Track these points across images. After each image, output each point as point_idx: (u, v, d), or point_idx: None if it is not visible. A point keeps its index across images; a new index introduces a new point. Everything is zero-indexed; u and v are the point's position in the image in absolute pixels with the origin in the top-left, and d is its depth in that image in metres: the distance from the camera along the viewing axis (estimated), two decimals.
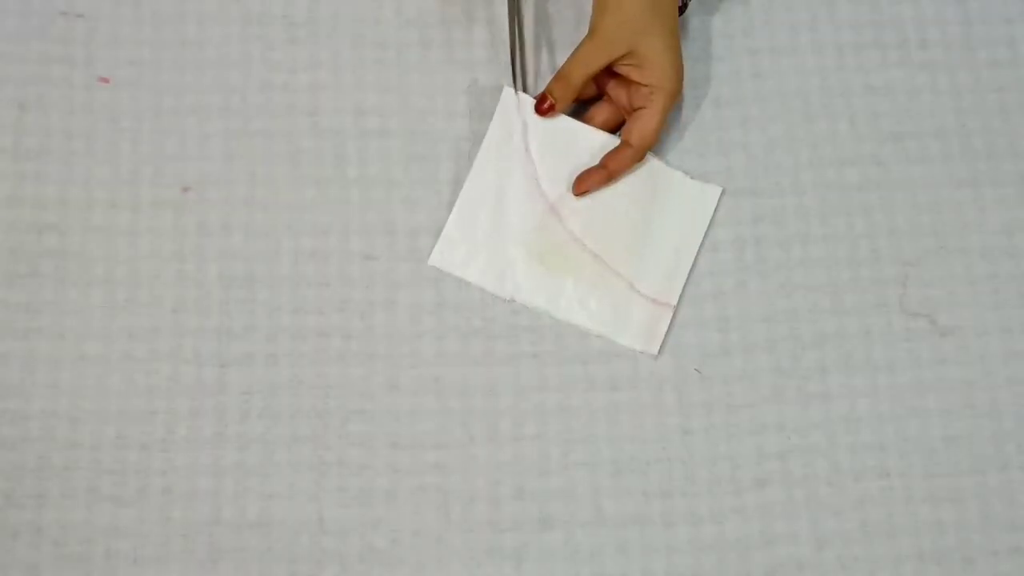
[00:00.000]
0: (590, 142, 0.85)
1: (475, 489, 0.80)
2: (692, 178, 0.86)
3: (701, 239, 0.85)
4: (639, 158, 0.84)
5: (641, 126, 0.83)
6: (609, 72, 0.85)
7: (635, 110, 0.84)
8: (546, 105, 0.84)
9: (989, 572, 0.80)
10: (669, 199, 0.86)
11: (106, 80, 0.87)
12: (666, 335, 0.84)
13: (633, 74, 0.83)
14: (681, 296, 0.84)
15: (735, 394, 0.83)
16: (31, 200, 0.84)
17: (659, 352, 0.83)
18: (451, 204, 0.85)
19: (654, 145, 0.85)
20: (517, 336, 0.83)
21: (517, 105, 0.85)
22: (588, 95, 0.87)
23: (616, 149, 0.84)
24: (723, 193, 0.86)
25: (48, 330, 0.82)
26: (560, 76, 0.83)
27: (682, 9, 0.87)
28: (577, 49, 0.83)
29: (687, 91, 0.89)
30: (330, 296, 0.84)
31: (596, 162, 0.85)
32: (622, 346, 0.83)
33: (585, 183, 0.84)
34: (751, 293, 0.85)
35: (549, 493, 0.80)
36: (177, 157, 0.86)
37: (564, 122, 0.86)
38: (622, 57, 0.82)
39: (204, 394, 0.81)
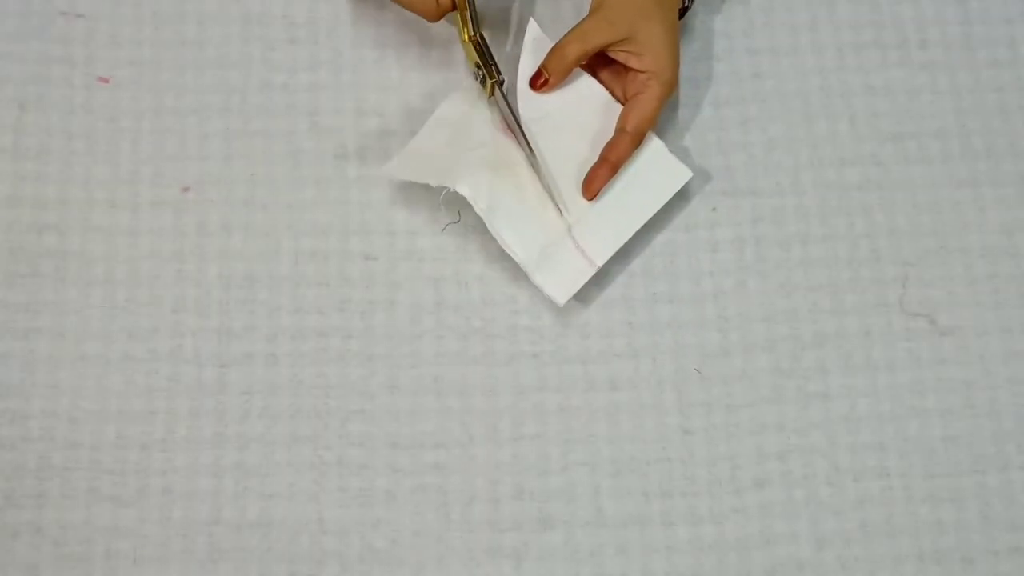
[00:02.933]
0: (580, 89, 0.85)
1: (475, 489, 0.80)
2: (671, 152, 0.85)
3: (652, 213, 0.83)
4: (637, 144, 0.83)
5: (639, 111, 0.82)
6: (603, 62, 0.85)
7: (631, 98, 0.83)
8: (540, 80, 0.84)
9: (989, 572, 0.80)
10: (639, 162, 0.84)
11: (106, 80, 0.87)
12: (664, 333, 0.84)
13: (631, 61, 0.82)
14: (679, 293, 0.85)
15: (735, 394, 0.83)
16: (31, 200, 0.84)
17: (565, 304, 0.81)
18: None
19: (648, 131, 0.83)
20: (517, 336, 0.83)
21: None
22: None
23: (614, 139, 0.83)
24: (692, 178, 0.84)
25: (48, 330, 0.82)
26: (555, 50, 0.83)
27: (683, 12, 0.86)
28: (577, 25, 0.83)
29: (687, 91, 0.89)
30: (330, 296, 0.84)
31: (579, 109, 0.84)
32: (621, 346, 0.83)
33: (594, 183, 0.83)
34: (751, 293, 0.85)
35: (549, 493, 0.80)
36: (177, 157, 0.86)
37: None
38: (621, 42, 0.82)
39: (204, 394, 0.81)
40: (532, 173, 0.83)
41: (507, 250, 0.82)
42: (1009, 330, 0.85)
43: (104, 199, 0.85)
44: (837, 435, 0.82)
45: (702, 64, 0.90)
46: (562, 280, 0.82)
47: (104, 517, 0.79)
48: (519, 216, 0.82)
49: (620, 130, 0.83)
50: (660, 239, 0.86)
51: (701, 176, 0.87)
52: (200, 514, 0.79)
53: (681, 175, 0.84)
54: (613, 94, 0.85)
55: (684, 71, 0.89)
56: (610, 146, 0.83)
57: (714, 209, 0.87)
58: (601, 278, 0.85)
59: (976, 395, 0.83)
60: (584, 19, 0.83)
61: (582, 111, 0.85)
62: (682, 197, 0.87)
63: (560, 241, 0.83)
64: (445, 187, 0.81)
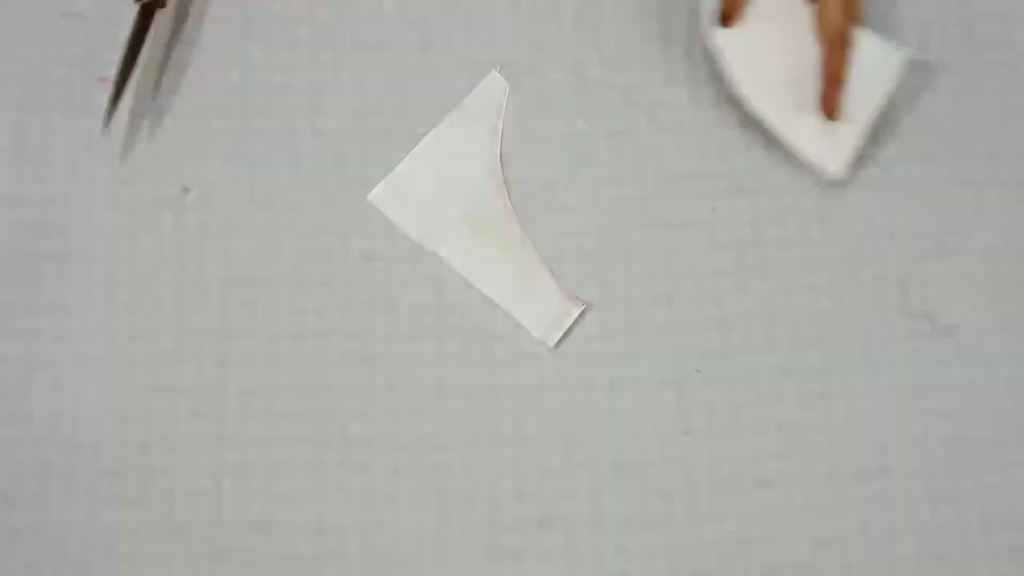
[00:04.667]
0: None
1: (475, 489, 0.80)
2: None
3: (878, 106, 0.83)
4: (842, 46, 0.81)
5: (824, 13, 0.80)
6: None
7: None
8: (726, 15, 0.83)
9: (989, 572, 0.80)
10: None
11: (106, 80, 0.87)
12: (664, 333, 0.84)
13: None
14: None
15: (735, 394, 0.83)
16: (31, 200, 0.84)
17: (557, 346, 0.83)
18: None
19: (844, 17, 0.81)
20: (517, 336, 0.83)
21: (503, 91, 0.86)
22: None
23: (822, 52, 0.81)
24: (692, 178, 0.86)
25: (48, 330, 0.82)
26: None
27: None
28: None
29: (686, 90, 0.89)
30: (330, 296, 0.84)
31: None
32: (621, 346, 0.83)
33: (828, 104, 0.81)
34: (751, 293, 0.85)
35: (549, 493, 0.80)
36: (177, 157, 0.86)
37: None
38: None
39: (204, 394, 0.81)
40: (518, 228, 0.84)
41: (492, 300, 0.84)
42: (1009, 330, 0.85)
43: (104, 199, 0.85)
44: (837, 435, 0.82)
45: (702, 64, 0.90)
46: (551, 322, 0.83)
47: (104, 517, 0.79)
48: (504, 270, 0.84)
49: (824, 40, 0.81)
50: (660, 239, 0.86)
51: (701, 176, 0.87)
52: (200, 514, 0.79)
53: (896, 57, 0.85)
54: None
55: (684, 70, 0.89)
56: (824, 62, 0.81)
57: (714, 209, 0.87)
58: (602, 278, 0.85)
59: (976, 395, 0.83)
60: None
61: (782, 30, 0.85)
62: (682, 197, 0.87)
63: (543, 287, 0.84)
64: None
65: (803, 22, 0.84)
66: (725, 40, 0.84)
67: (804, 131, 0.85)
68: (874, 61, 0.85)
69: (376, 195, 0.85)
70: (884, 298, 0.85)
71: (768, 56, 0.84)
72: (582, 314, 0.84)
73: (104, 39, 0.88)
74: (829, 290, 0.85)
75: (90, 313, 0.82)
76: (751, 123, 0.89)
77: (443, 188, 0.85)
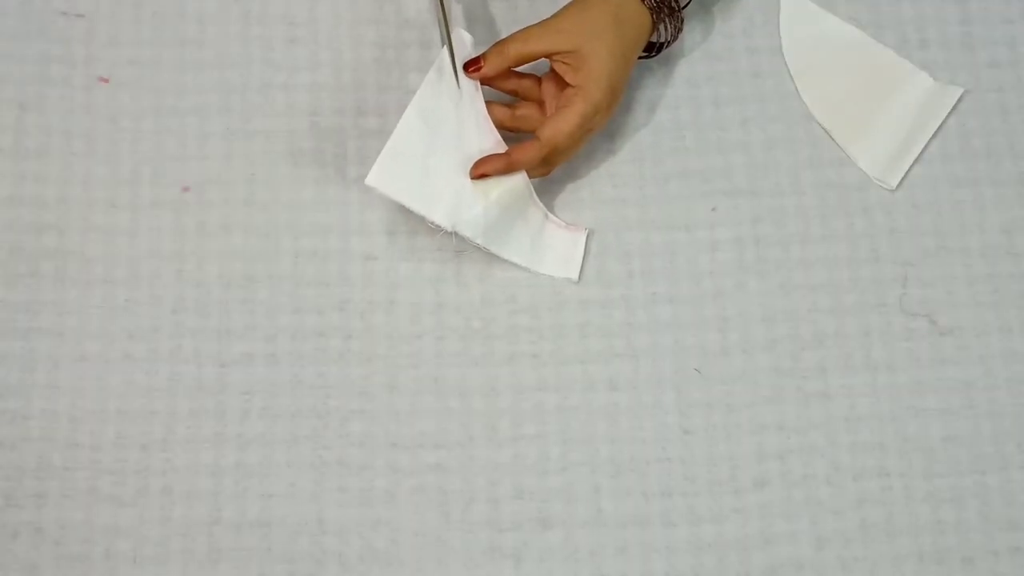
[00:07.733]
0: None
1: (474, 489, 0.80)
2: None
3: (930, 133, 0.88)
4: (543, 154, 0.81)
5: (555, 123, 0.81)
6: (550, 76, 0.84)
7: (556, 110, 0.82)
8: (472, 68, 0.82)
9: (989, 572, 0.80)
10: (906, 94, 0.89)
11: (106, 80, 0.87)
12: (664, 333, 0.84)
13: (568, 74, 0.81)
14: (679, 292, 0.85)
15: (735, 394, 0.83)
16: (31, 200, 0.84)
17: (579, 279, 0.85)
18: None
19: (564, 149, 0.82)
20: (516, 336, 0.83)
21: (470, 45, 0.84)
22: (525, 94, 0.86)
23: (524, 142, 0.82)
24: (693, 178, 0.86)
25: (48, 330, 0.82)
26: (497, 46, 0.82)
27: (659, 47, 0.86)
28: (526, 28, 0.82)
29: (687, 90, 0.89)
30: (330, 296, 0.84)
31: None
32: (621, 346, 0.83)
33: (483, 167, 0.81)
34: (751, 293, 0.85)
35: (548, 493, 0.80)
36: (177, 157, 0.86)
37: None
38: (564, 53, 0.81)
39: (204, 394, 0.81)
40: (527, 184, 0.83)
41: (502, 257, 0.84)
42: (1009, 330, 0.85)
43: (104, 199, 0.85)
44: (837, 435, 0.82)
45: (702, 64, 0.90)
46: (564, 259, 0.85)
47: (104, 517, 0.79)
48: (499, 223, 0.82)
49: (535, 136, 0.82)
50: (660, 239, 0.86)
51: (701, 176, 0.87)
52: (200, 514, 0.79)
53: (951, 93, 0.89)
54: (549, 108, 0.84)
55: (683, 70, 0.89)
56: (517, 145, 0.82)
57: (714, 209, 0.87)
58: (601, 278, 0.85)
59: (976, 395, 0.83)
60: (536, 23, 0.82)
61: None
62: (682, 197, 0.87)
63: (541, 228, 0.85)
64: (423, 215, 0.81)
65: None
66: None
67: (873, 150, 0.88)
68: (931, 97, 0.89)
69: (373, 177, 0.81)
70: (884, 298, 0.85)
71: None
72: (582, 314, 0.84)
73: (104, 39, 0.88)
74: (829, 289, 0.85)
75: (90, 313, 0.82)
76: (752, 123, 0.89)
77: (437, 153, 0.82)
